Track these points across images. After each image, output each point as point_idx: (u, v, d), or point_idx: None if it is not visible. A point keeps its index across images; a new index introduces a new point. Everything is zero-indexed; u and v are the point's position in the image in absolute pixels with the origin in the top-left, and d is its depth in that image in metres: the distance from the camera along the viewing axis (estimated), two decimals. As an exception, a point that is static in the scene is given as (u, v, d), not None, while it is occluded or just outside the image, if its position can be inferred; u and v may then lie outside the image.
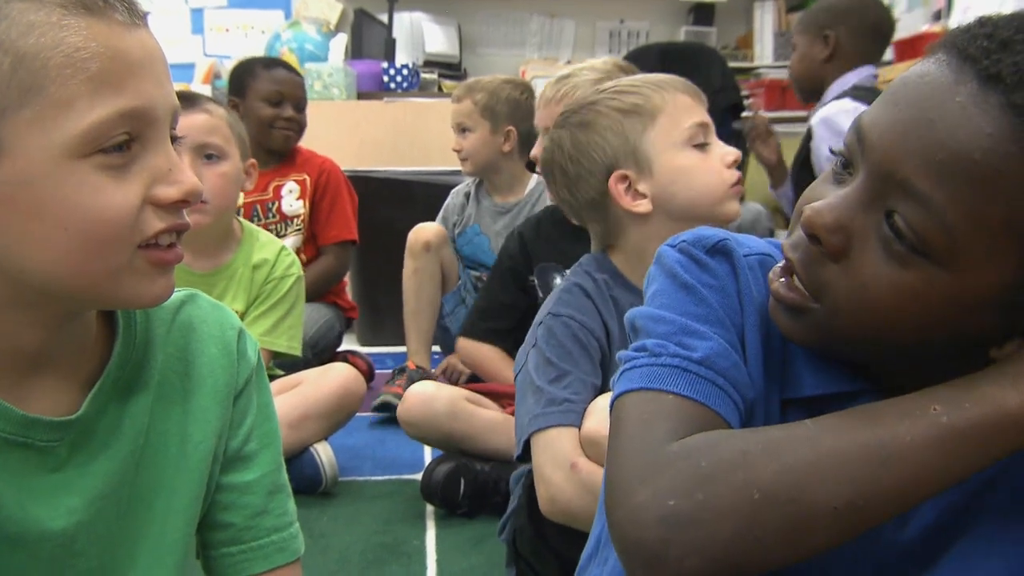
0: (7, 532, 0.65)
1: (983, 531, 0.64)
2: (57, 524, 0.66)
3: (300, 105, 2.66)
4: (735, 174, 1.27)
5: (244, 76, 2.65)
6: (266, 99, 2.59)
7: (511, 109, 2.41)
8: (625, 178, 1.25)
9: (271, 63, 2.76)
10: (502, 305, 1.91)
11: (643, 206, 1.25)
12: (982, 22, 0.57)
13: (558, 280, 1.86)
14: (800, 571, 0.64)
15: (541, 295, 1.89)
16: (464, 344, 1.93)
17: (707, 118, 1.27)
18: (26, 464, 0.65)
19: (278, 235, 2.62)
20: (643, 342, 0.65)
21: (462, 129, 2.46)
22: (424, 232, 2.42)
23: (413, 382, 2.27)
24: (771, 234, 2.15)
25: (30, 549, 0.66)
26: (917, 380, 0.62)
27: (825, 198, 0.61)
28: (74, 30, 0.57)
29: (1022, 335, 0.59)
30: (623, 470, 0.59)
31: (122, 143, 0.59)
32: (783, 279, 0.63)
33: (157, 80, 0.61)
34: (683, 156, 1.24)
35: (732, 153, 1.27)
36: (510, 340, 1.89)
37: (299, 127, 2.66)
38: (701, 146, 1.26)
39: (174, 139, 0.64)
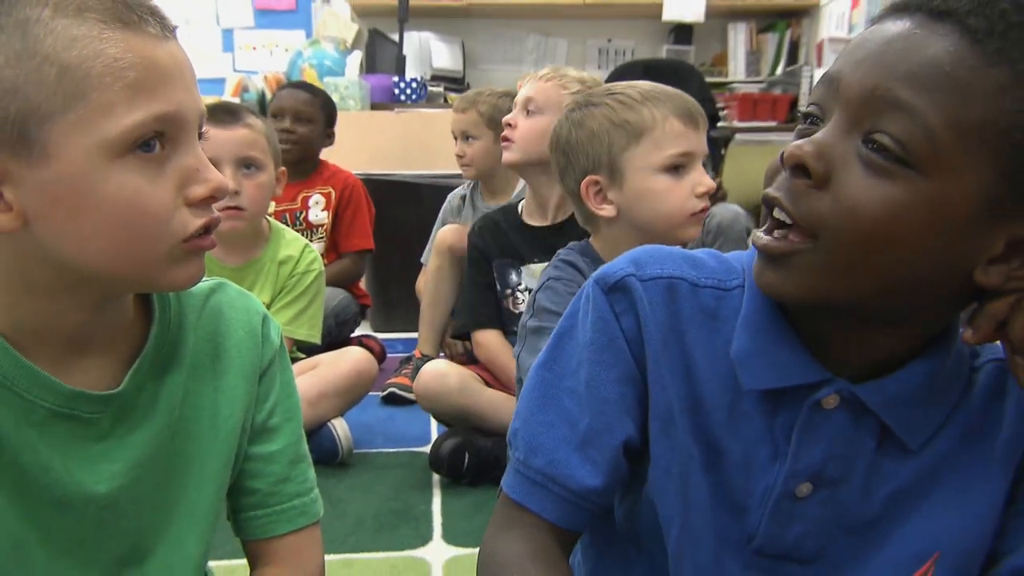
0: (56, 495, 0.65)
1: (939, 496, 0.64)
2: (101, 488, 0.67)
3: (300, 117, 2.64)
4: (701, 203, 1.24)
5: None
6: (272, 115, 2.63)
7: None
8: (597, 183, 1.25)
9: (287, 85, 2.80)
10: (486, 286, 1.89)
11: (608, 211, 1.26)
12: None
13: (513, 277, 1.87)
14: (775, 538, 0.66)
15: (499, 288, 1.88)
16: (478, 336, 1.90)
17: (693, 146, 1.23)
18: (72, 434, 0.66)
19: (303, 242, 2.63)
20: (516, 443, 0.70)
21: (467, 137, 2.44)
22: (450, 235, 2.39)
23: (419, 370, 2.28)
24: (748, 233, 2.09)
25: (77, 510, 0.66)
26: (886, 347, 0.62)
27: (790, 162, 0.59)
28: (112, 42, 0.57)
29: (1005, 261, 0.56)
30: None
31: (153, 143, 0.59)
32: (767, 236, 0.60)
33: (186, 87, 0.61)
34: (655, 180, 1.22)
35: (704, 184, 1.24)
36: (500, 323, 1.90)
37: (296, 139, 2.62)
38: (678, 169, 1.23)
39: (200, 138, 0.64)
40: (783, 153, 0.58)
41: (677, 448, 0.67)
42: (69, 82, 0.55)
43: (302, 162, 2.64)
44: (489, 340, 1.88)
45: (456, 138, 2.47)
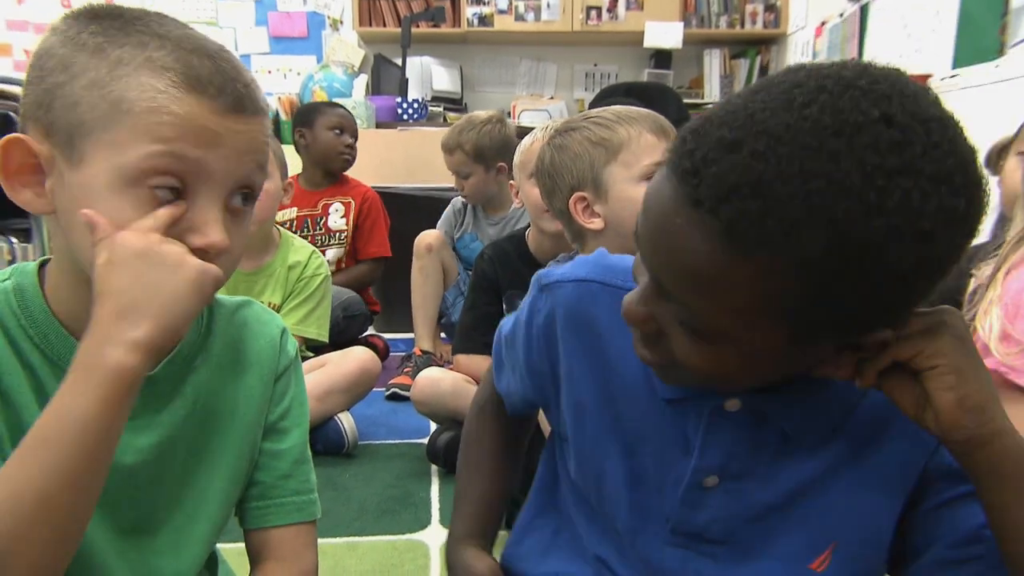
0: None
1: (836, 492, 0.64)
2: (128, 460, 0.67)
3: (355, 135, 2.73)
4: None
5: (311, 112, 2.73)
6: (331, 128, 2.67)
7: (496, 146, 2.35)
8: (584, 199, 1.25)
9: (333, 104, 2.84)
10: (487, 315, 1.81)
11: (596, 224, 1.25)
12: (688, 136, 0.52)
13: None
14: (686, 521, 0.66)
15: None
16: (460, 360, 1.84)
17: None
18: None
19: (322, 246, 2.64)
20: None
21: (462, 176, 2.41)
22: (427, 237, 2.42)
23: (419, 367, 2.27)
24: None
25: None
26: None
27: (638, 282, 0.59)
28: (169, 96, 0.58)
29: (851, 351, 0.56)
30: None
31: (173, 187, 0.60)
32: (644, 350, 0.61)
33: (222, 153, 0.61)
34: (635, 189, 1.21)
35: None
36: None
37: (354, 154, 2.73)
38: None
39: (246, 198, 0.65)
40: (623, 304, 0.59)
41: (589, 437, 0.69)
42: (116, 110, 0.58)
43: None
44: (475, 363, 1.81)
45: (457, 176, 2.44)
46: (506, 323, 0.82)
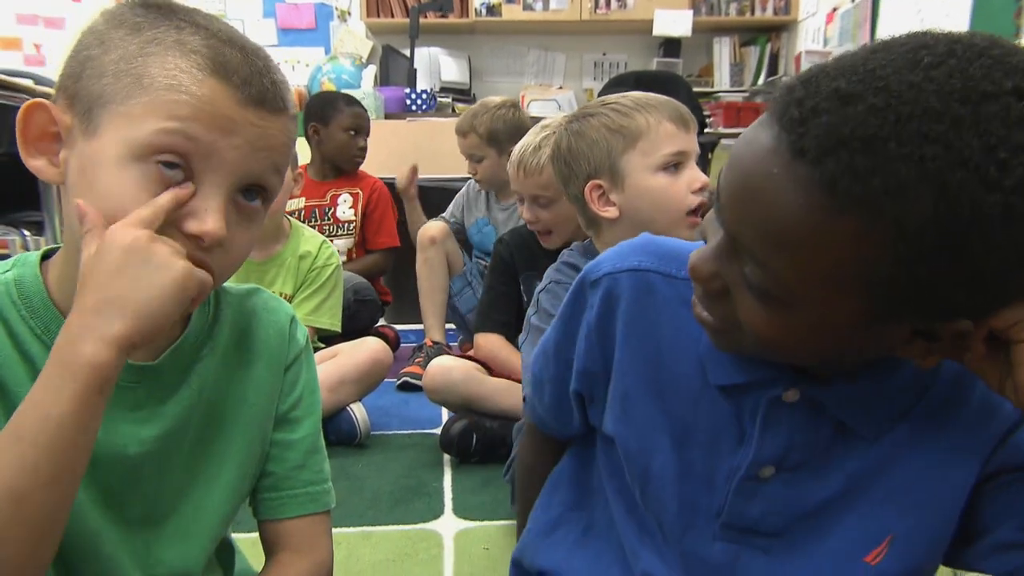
0: (95, 451, 0.64)
1: (894, 483, 0.63)
2: (132, 450, 0.67)
3: (368, 133, 2.74)
4: (697, 199, 1.20)
5: (327, 108, 2.69)
6: (347, 129, 2.66)
7: (509, 130, 2.34)
8: (600, 187, 1.23)
9: (350, 100, 2.78)
10: (504, 296, 1.85)
11: (611, 212, 1.23)
12: (797, 85, 0.49)
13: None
14: (740, 514, 0.65)
15: (526, 299, 1.83)
16: (479, 339, 1.88)
17: (687, 145, 1.21)
18: (113, 399, 0.64)
19: (330, 236, 2.64)
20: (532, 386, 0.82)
21: (475, 160, 2.42)
22: (429, 230, 2.43)
23: (430, 358, 2.27)
24: None
25: (109, 467, 0.66)
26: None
27: (709, 240, 0.57)
28: (192, 77, 0.58)
29: (925, 338, 0.53)
30: None
31: (174, 163, 0.58)
32: (704, 312, 0.59)
33: (236, 143, 0.60)
34: (653, 178, 1.19)
35: (699, 180, 1.21)
36: (512, 330, 1.84)
37: (365, 154, 2.74)
38: (675, 167, 1.20)
39: (260, 197, 0.64)
40: (690, 259, 0.58)
41: (636, 428, 0.67)
42: (137, 84, 0.58)
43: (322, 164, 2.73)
44: (490, 342, 1.85)
45: (469, 160, 2.45)
46: (545, 341, 0.78)
